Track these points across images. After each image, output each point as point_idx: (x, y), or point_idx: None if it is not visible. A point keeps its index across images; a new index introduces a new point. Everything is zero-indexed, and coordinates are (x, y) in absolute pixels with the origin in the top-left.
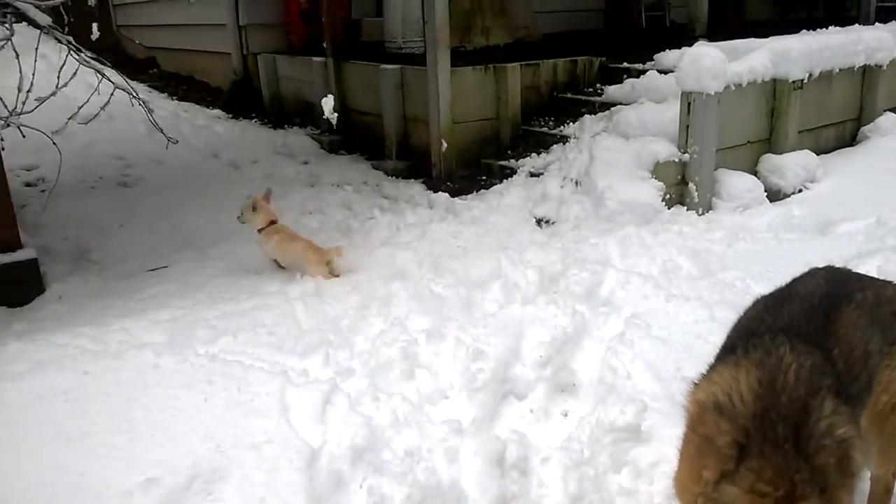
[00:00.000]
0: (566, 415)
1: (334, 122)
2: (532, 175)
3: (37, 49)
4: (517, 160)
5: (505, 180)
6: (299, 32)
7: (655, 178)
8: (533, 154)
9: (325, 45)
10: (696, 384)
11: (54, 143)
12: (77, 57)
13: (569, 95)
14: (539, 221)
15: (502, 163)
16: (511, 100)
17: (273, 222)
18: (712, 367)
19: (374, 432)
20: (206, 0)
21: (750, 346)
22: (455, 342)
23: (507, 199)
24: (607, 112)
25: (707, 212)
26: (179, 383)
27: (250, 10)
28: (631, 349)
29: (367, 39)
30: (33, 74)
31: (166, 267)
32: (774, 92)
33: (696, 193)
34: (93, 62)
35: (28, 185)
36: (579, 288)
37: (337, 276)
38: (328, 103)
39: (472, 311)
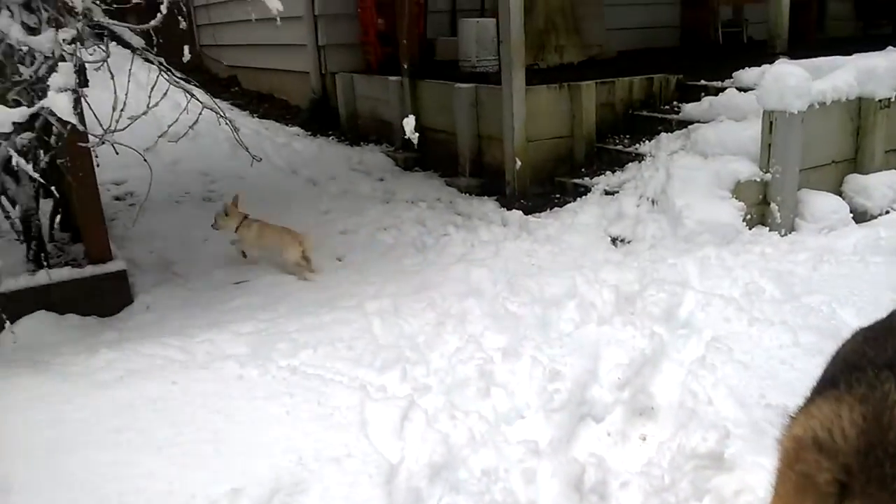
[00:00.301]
0: (644, 439)
1: (415, 141)
2: (607, 193)
3: (130, 70)
4: (591, 178)
5: (579, 198)
6: (377, 52)
7: (736, 198)
8: (607, 172)
9: (401, 64)
10: (792, 418)
11: (145, 160)
12: (168, 77)
13: (644, 113)
14: (614, 240)
15: (576, 181)
16: (585, 118)
17: (245, 217)
18: (810, 401)
19: (451, 450)
20: (287, 21)
21: (853, 381)
22: (531, 361)
23: (582, 218)
24: (684, 130)
25: (790, 233)
26: (262, 395)
27: (329, 31)
28: (712, 373)
29: (441, 58)
30: (126, 94)
31: (248, 281)
32: (860, 111)
33: (778, 214)
34: (182, 82)
35: (117, 198)
36: (657, 309)
37: (307, 259)
38: (409, 123)
39: (548, 331)
